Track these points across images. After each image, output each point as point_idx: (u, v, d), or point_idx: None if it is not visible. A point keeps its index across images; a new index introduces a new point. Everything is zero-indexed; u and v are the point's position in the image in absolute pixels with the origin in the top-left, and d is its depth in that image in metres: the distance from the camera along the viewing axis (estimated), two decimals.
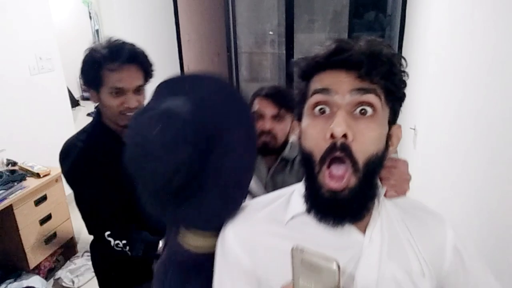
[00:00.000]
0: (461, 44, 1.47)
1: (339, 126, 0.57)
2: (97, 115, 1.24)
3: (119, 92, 1.13)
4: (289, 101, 1.22)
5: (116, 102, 1.14)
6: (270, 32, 5.30)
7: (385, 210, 0.68)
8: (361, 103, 0.60)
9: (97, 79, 1.13)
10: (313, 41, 5.19)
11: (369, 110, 0.60)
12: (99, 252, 1.35)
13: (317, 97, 0.62)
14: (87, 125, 1.25)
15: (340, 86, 0.60)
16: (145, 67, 1.20)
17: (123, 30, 4.15)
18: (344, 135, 0.58)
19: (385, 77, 0.60)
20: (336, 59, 0.61)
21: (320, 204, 0.63)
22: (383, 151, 0.63)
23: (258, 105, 1.23)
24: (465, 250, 0.69)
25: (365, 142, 0.59)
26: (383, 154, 0.63)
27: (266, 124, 1.20)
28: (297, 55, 4.98)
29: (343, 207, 0.61)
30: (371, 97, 0.60)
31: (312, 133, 0.62)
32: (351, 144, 0.58)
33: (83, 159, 1.15)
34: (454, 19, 1.64)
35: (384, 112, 0.62)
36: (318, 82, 0.63)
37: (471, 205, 1.18)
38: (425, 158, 2.18)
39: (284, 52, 5.06)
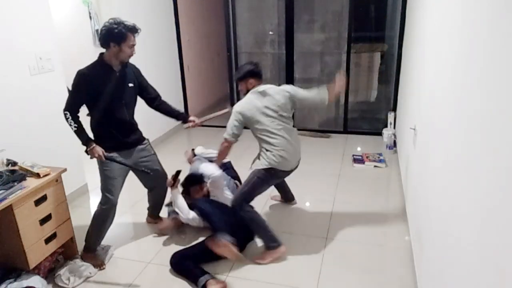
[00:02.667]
0: (461, 43, 1.47)
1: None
2: (100, 57, 2.32)
3: (132, 46, 2.31)
4: (238, 77, 2.63)
5: (130, 51, 2.32)
6: (270, 32, 5.30)
7: None
8: None
9: (123, 37, 2.23)
10: (313, 41, 5.19)
11: None
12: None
13: None
14: (93, 62, 2.31)
15: None
16: None
17: None
18: None
19: None
20: None
21: None
22: None
23: None
24: None
25: None
26: None
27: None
28: (297, 55, 5.00)
29: None
30: None
31: None
32: None
33: (81, 74, 2.26)
34: (454, 18, 1.64)
35: None
36: None
37: (472, 204, 1.18)
38: (425, 158, 2.18)
39: (284, 52, 5.07)
